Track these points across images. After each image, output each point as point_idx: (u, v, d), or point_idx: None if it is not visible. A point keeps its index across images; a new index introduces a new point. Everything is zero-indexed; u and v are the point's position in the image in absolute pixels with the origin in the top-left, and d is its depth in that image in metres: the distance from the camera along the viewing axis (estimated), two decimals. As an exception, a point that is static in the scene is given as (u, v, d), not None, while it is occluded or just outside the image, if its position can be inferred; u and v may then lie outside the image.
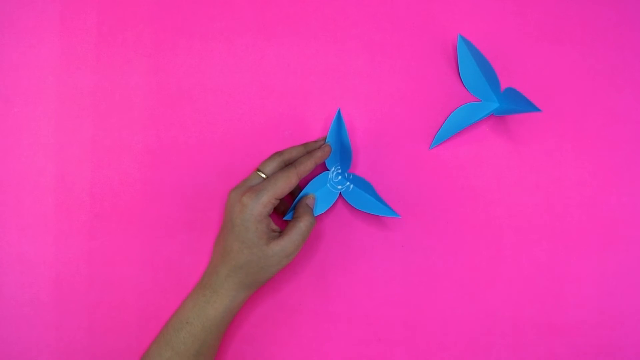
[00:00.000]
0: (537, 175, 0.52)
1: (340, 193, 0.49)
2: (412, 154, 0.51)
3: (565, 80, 0.52)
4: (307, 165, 0.44)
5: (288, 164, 0.45)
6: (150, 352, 0.44)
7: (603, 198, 0.52)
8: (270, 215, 0.43)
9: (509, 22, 0.52)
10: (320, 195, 0.48)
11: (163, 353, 0.43)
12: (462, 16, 0.52)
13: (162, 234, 0.49)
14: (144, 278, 0.49)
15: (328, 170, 0.49)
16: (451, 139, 0.51)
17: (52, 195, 0.49)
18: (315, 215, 0.47)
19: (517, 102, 0.48)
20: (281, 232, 0.44)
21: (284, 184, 0.42)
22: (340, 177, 0.49)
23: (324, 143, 0.48)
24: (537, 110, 0.46)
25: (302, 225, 0.43)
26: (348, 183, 0.49)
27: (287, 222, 0.46)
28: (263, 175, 0.44)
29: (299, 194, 0.47)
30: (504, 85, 0.51)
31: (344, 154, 0.48)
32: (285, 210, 0.48)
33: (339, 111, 0.48)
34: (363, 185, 0.49)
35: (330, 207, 0.49)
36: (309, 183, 0.48)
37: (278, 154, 0.45)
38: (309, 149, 0.47)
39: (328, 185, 0.48)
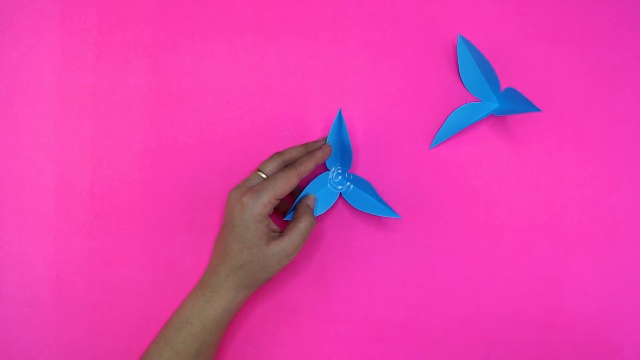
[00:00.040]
0: (537, 175, 0.52)
1: (340, 193, 0.49)
2: (412, 154, 0.51)
3: (565, 80, 0.52)
4: (307, 166, 0.44)
5: (288, 164, 0.45)
6: (150, 352, 0.44)
7: (603, 198, 0.52)
8: (270, 216, 0.43)
9: (509, 22, 0.52)
10: (321, 195, 0.48)
11: (163, 353, 0.43)
12: (462, 16, 0.52)
13: (162, 234, 0.49)
14: (144, 278, 0.49)
15: (328, 170, 0.49)
16: (451, 139, 0.51)
17: (52, 195, 0.49)
18: (316, 215, 0.47)
19: (517, 102, 0.48)
20: (281, 233, 0.44)
21: (284, 184, 0.42)
22: (340, 178, 0.49)
23: (325, 143, 0.48)
24: (537, 110, 0.46)
25: (302, 225, 0.43)
26: (348, 183, 0.49)
27: (287, 222, 0.46)
28: (263, 176, 0.44)
29: (299, 195, 0.47)
30: (504, 85, 0.51)
31: (344, 154, 0.48)
32: (286, 210, 0.48)
33: (339, 112, 0.48)
34: (363, 185, 0.49)
35: (331, 208, 0.49)
36: (310, 183, 0.48)
37: (278, 154, 0.45)
38: (310, 149, 0.47)
39: (328, 185, 0.48)
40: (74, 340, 0.48)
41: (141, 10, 0.50)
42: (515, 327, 0.51)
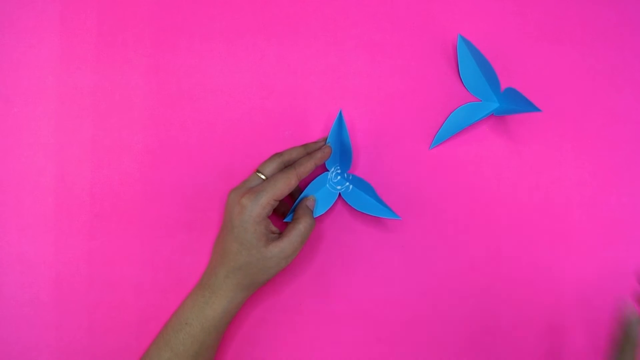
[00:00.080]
0: (537, 175, 0.52)
1: (339, 194, 0.49)
2: (412, 154, 0.51)
3: (565, 80, 0.52)
4: (306, 167, 0.44)
5: (288, 165, 0.45)
6: (149, 353, 0.44)
7: (603, 198, 0.52)
8: (270, 217, 0.43)
9: (509, 22, 0.52)
10: (320, 196, 0.48)
11: (162, 354, 0.43)
12: (462, 16, 0.52)
13: (162, 234, 0.49)
14: (144, 278, 0.49)
15: (328, 171, 0.49)
16: (451, 139, 0.51)
17: (52, 195, 0.49)
18: (315, 216, 0.47)
19: (517, 102, 0.48)
20: (280, 234, 0.44)
21: (283, 185, 0.42)
22: (339, 178, 0.49)
23: (325, 144, 0.48)
24: (537, 110, 0.46)
25: (301, 227, 0.43)
26: (347, 183, 0.49)
27: (286, 224, 0.46)
28: (263, 177, 0.44)
29: (299, 196, 0.47)
30: (504, 85, 0.51)
31: (344, 154, 0.48)
32: (286, 211, 0.48)
33: (340, 112, 0.48)
34: (363, 186, 0.49)
35: (330, 208, 0.49)
36: (309, 184, 0.48)
37: (278, 155, 0.45)
38: (309, 150, 0.47)
39: (327, 185, 0.48)
40: (74, 340, 0.48)
41: (141, 10, 0.50)
42: (515, 327, 0.51)
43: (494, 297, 0.51)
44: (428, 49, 0.52)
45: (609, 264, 0.52)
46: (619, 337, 0.40)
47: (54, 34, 0.49)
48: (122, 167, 0.49)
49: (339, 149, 0.48)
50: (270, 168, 0.44)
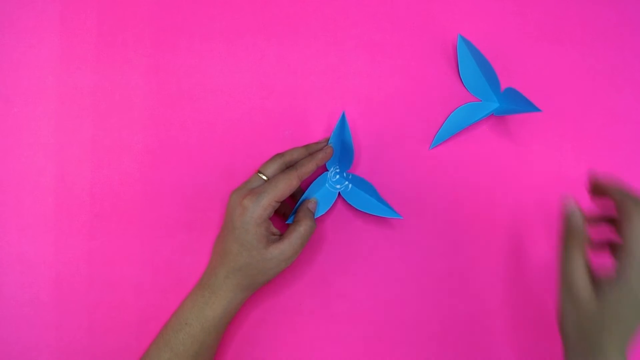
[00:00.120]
0: (537, 175, 0.52)
1: (339, 193, 0.49)
2: (412, 154, 0.51)
3: (565, 80, 0.52)
4: (308, 167, 0.44)
5: (289, 166, 0.45)
6: (149, 353, 0.44)
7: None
8: (271, 218, 0.43)
9: (509, 22, 0.52)
10: (320, 196, 0.48)
11: (162, 354, 0.43)
12: (462, 16, 0.52)
13: (162, 234, 0.49)
14: (144, 278, 0.49)
15: (327, 170, 0.49)
16: (451, 139, 0.51)
17: (52, 195, 0.49)
18: (316, 216, 0.47)
19: (517, 102, 0.48)
20: (281, 236, 0.44)
21: (284, 187, 0.42)
22: (338, 177, 0.49)
23: (326, 145, 0.48)
24: (537, 110, 0.46)
25: (302, 229, 0.43)
26: (347, 182, 0.49)
27: (287, 225, 0.46)
28: (264, 177, 0.44)
29: (300, 196, 0.47)
30: (504, 85, 0.51)
31: (344, 154, 0.48)
32: (287, 212, 0.48)
33: (343, 114, 0.48)
34: (363, 185, 0.49)
35: (331, 208, 0.49)
36: (310, 185, 0.48)
37: (279, 155, 0.45)
38: (311, 150, 0.47)
39: (327, 185, 0.48)
40: (74, 340, 0.48)
41: (141, 10, 0.50)
42: (515, 327, 0.51)
43: (494, 297, 0.51)
44: (428, 49, 0.52)
45: (609, 264, 0.52)
46: (564, 232, 0.39)
47: (54, 34, 0.49)
48: (122, 167, 0.49)
49: (340, 149, 0.48)
50: (271, 169, 0.44)
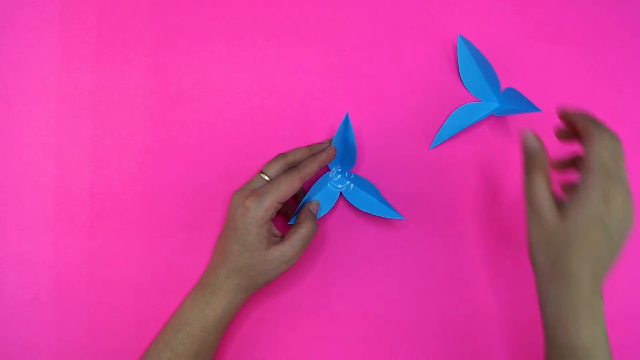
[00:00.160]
0: (537, 175, 0.52)
1: (341, 193, 0.49)
2: (412, 154, 0.51)
3: (565, 80, 0.52)
4: (310, 168, 0.44)
5: (292, 167, 0.45)
6: (149, 353, 0.44)
7: (603, 198, 0.52)
8: (273, 218, 0.43)
9: (509, 22, 0.52)
10: (322, 195, 0.48)
11: (162, 354, 0.43)
12: (462, 16, 0.52)
13: (162, 234, 0.49)
14: (144, 278, 0.49)
15: (329, 170, 0.49)
16: (451, 139, 0.51)
17: (52, 195, 0.49)
18: (318, 217, 0.47)
19: (517, 102, 0.48)
20: (282, 237, 0.44)
21: (287, 188, 0.42)
22: (340, 177, 0.49)
23: (329, 145, 0.48)
24: (537, 110, 0.46)
25: (303, 231, 0.43)
26: (348, 182, 0.49)
27: (289, 227, 0.46)
28: (266, 178, 0.44)
29: (302, 197, 0.47)
30: (504, 85, 0.51)
31: (346, 154, 0.48)
32: (289, 212, 0.48)
33: (347, 115, 0.48)
34: (365, 185, 0.49)
35: (333, 208, 0.49)
36: (313, 185, 0.48)
37: (282, 155, 0.45)
38: (314, 151, 0.47)
39: (329, 184, 0.48)
40: (74, 340, 0.48)
41: (141, 10, 0.50)
42: (515, 327, 0.51)
43: (494, 297, 0.51)
44: (428, 49, 0.52)
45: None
46: (524, 158, 0.40)
47: (54, 34, 0.49)
48: (122, 167, 0.49)
49: (342, 149, 0.48)
50: (274, 169, 0.44)
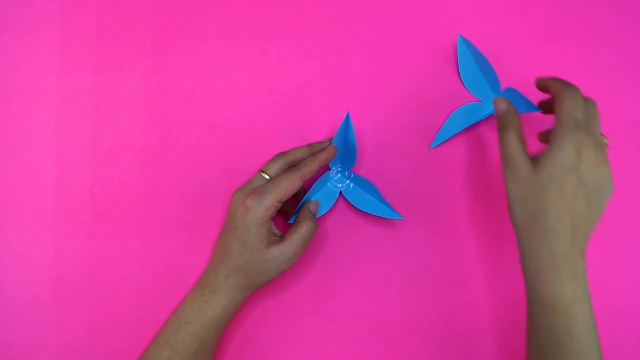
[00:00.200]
0: (537, 175, 0.52)
1: (340, 192, 0.49)
2: (412, 154, 0.51)
3: (565, 80, 0.52)
4: (311, 167, 0.44)
5: (292, 165, 0.45)
6: (149, 351, 0.44)
7: (603, 198, 0.52)
8: (273, 218, 0.43)
9: (509, 22, 0.52)
10: (322, 194, 0.48)
11: (162, 353, 0.43)
12: (462, 16, 0.52)
13: (162, 234, 0.49)
14: (144, 278, 0.49)
15: (330, 169, 0.49)
16: (451, 138, 0.51)
17: (52, 195, 0.49)
18: (318, 215, 0.47)
19: (517, 102, 0.48)
20: (282, 237, 0.44)
21: (287, 187, 0.42)
22: (340, 176, 0.49)
23: (329, 144, 0.48)
24: (537, 110, 0.46)
25: (302, 230, 0.43)
26: (348, 182, 0.49)
27: (289, 226, 0.46)
28: (267, 177, 0.44)
29: (303, 196, 0.47)
30: (504, 85, 0.51)
31: (347, 153, 0.48)
32: (289, 211, 0.48)
33: (348, 114, 0.48)
34: (365, 185, 0.49)
35: (332, 208, 0.49)
36: (313, 184, 0.48)
37: (282, 154, 0.45)
38: (314, 150, 0.47)
39: (328, 184, 0.48)
40: (74, 340, 0.48)
41: (141, 10, 0.50)
42: (515, 327, 0.51)
43: (494, 297, 0.51)
44: (428, 49, 0.52)
45: (609, 264, 0.52)
46: (498, 121, 0.43)
47: (54, 34, 0.49)
48: (122, 167, 0.49)
49: (343, 148, 0.48)
50: (274, 168, 0.44)
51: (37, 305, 0.48)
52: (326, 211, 0.48)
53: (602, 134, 0.40)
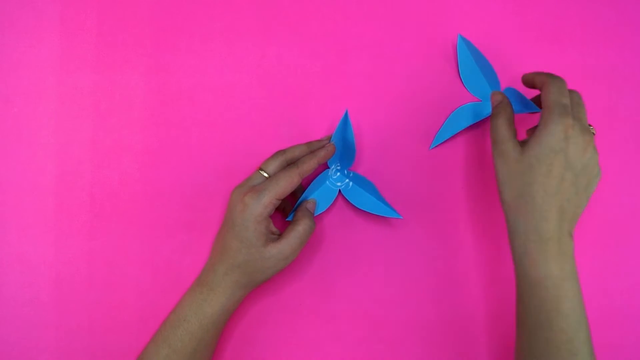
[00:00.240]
0: (537, 175, 0.52)
1: (340, 191, 0.49)
2: (412, 154, 0.51)
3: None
4: (309, 165, 0.44)
5: (290, 163, 0.45)
6: (148, 349, 0.44)
7: (603, 198, 0.52)
8: (271, 216, 0.43)
9: (509, 22, 0.52)
10: (321, 193, 0.48)
11: (160, 350, 0.43)
12: (462, 16, 0.52)
13: (162, 234, 0.49)
14: (144, 278, 0.49)
15: (329, 168, 0.49)
16: (451, 138, 0.51)
17: (52, 195, 0.49)
18: (316, 214, 0.47)
19: (517, 102, 0.48)
20: (280, 235, 0.44)
21: (285, 184, 0.42)
22: (339, 174, 0.49)
23: (328, 142, 0.48)
24: (537, 110, 0.46)
25: (300, 228, 0.43)
26: (347, 180, 0.49)
27: (288, 224, 0.46)
28: (265, 174, 0.44)
29: (301, 193, 0.47)
30: (503, 85, 0.51)
31: (346, 152, 0.48)
32: (287, 209, 0.48)
33: (346, 112, 0.48)
34: (364, 184, 0.49)
35: (332, 207, 0.49)
36: (312, 182, 0.48)
37: (281, 152, 0.45)
38: (313, 148, 0.47)
39: (327, 182, 0.48)
40: (74, 340, 0.48)
41: (141, 10, 0.50)
42: (515, 327, 0.51)
43: (494, 297, 0.51)
44: (428, 49, 0.52)
45: (609, 264, 0.52)
46: (492, 109, 0.45)
47: (54, 34, 0.49)
48: (122, 167, 0.49)
49: (341, 147, 0.48)
50: (273, 166, 0.44)
51: (37, 305, 0.48)
52: (325, 209, 0.48)
53: (589, 124, 0.42)
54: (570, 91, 0.42)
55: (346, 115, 0.48)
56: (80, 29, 0.50)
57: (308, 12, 0.51)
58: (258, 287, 0.45)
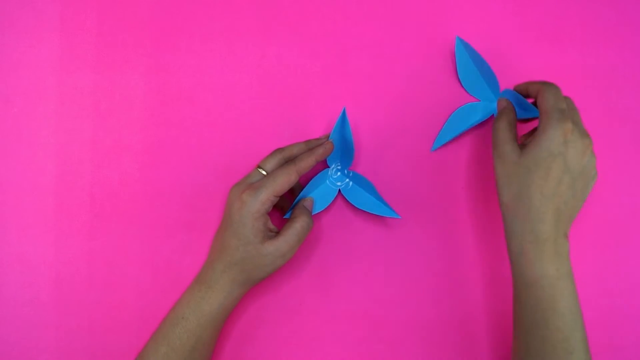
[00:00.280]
0: (537, 175, 0.52)
1: (339, 190, 0.49)
2: (411, 154, 0.51)
3: (565, 80, 0.52)
4: (307, 162, 0.44)
5: (289, 161, 0.45)
6: (147, 347, 0.44)
7: (603, 198, 0.52)
8: (270, 214, 0.43)
9: (509, 22, 0.52)
10: (320, 192, 0.48)
11: (159, 348, 0.43)
12: (461, 16, 0.52)
13: (162, 234, 0.49)
14: (144, 278, 0.49)
15: (329, 167, 0.49)
16: (451, 139, 0.51)
17: (52, 195, 0.49)
18: (315, 212, 0.47)
19: (515, 105, 0.48)
20: (278, 233, 0.44)
21: (283, 181, 0.42)
22: (339, 174, 0.49)
23: (327, 140, 0.48)
24: (536, 114, 0.46)
25: (297, 226, 0.43)
26: (347, 180, 0.49)
27: (286, 221, 0.46)
28: (263, 172, 0.44)
29: (299, 191, 0.47)
30: (504, 85, 0.51)
31: (345, 151, 0.48)
32: (286, 207, 0.48)
33: (344, 110, 0.48)
34: (364, 183, 0.49)
35: (331, 206, 0.49)
36: (310, 181, 0.48)
37: (279, 150, 0.45)
38: (311, 146, 0.47)
39: (327, 182, 0.48)
40: (74, 340, 0.48)
41: (141, 10, 0.50)
42: (515, 327, 0.51)
43: (494, 297, 0.51)
44: (428, 49, 0.52)
45: (609, 264, 0.52)
46: (497, 114, 0.46)
47: (54, 34, 0.49)
48: (122, 167, 0.49)
49: (341, 146, 0.48)
50: (271, 164, 0.44)
51: (37, 305, 0.48)
52: (324, 209, 0.48)
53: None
54: (564, 97, 0.43)
55: (344, 113, 0.48)
56: (80, 29, 0.50)
57: (308, 12, 0.51)
58: (257, 285, 0.45)
